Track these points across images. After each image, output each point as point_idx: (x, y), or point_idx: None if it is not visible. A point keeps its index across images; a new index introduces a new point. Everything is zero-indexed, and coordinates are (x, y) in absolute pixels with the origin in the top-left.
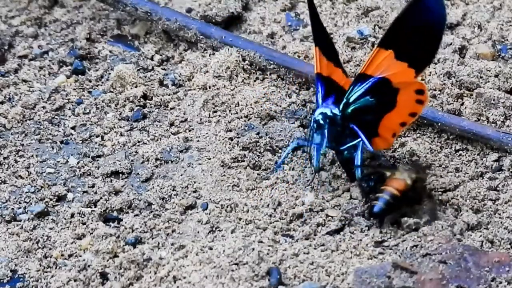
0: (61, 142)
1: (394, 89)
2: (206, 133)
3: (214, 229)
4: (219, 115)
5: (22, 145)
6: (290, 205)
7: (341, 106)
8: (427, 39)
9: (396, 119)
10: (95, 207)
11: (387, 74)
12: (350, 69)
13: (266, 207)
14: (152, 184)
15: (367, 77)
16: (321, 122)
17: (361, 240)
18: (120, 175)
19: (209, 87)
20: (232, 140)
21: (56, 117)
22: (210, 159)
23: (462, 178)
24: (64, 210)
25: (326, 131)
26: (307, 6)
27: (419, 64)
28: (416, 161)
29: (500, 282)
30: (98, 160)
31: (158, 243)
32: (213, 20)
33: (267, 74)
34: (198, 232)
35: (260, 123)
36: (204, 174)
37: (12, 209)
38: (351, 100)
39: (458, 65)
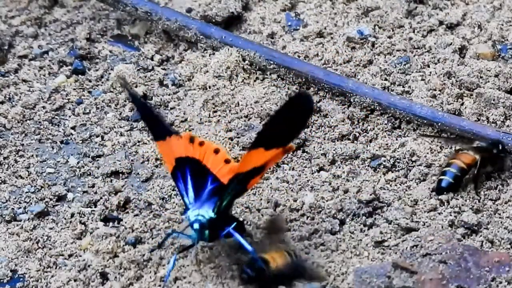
0: (61, 142)
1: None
2: (206, 133)
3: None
4: (219, 115)
5: (22, 145)
6: (290, 205)
7: (215, 210)
8: (295, 129)
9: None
10: (95, 207)
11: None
12: (350, 69)
13: (266, 207)
14: (152, 184)
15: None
16: (197, 227)
17: (361, 240)
18: (120, 175)
19: (209, 87)
20: (232, 140)
21: (56, 117)
22: None
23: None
24: (64, 210)
25: (206, 233)
26: (307, 7)
27: (285, 144)
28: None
29: (500, 282)
30: (98, 160)
31: (158, 243)
32: (213, 20)
33: (267, 74)
34: None
35: (260, 123)
36: None
37: (12, 209)
38: (225, 202)
39: (458, 65)
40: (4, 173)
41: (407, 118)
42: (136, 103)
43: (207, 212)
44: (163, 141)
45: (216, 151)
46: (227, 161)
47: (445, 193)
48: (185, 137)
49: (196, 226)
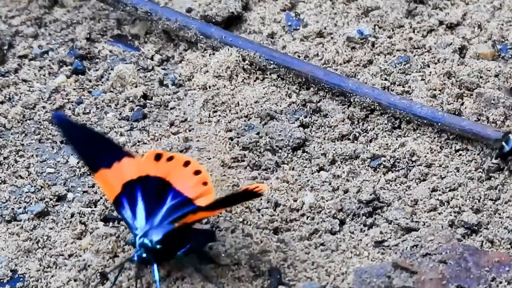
0: (61, 142)
1: None
2: (206, 133)
3: (214, 229)
4: (219, 115)
5: (22, 145)
6: (290, 205)
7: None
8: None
9: None
10: (95, 207)
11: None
12: (350, 69)
13: (266, 207)
14: None
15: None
16: (145, 255)
17: (361, 240)
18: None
19: (209, 87)
20: (232, 140)
21: None
22: (210, 159)
23: (462, 178)
24: (64, 210)
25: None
26: (307, 7)
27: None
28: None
29: (500, 282)
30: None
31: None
32: (213, 20)
33: (267, 74)
34: None
35: (260, 123)
36: None
37: (12, 209)
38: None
39: (458, 65)
40: (4, 173)
41: (407, 118)
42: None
43: (151, 242)
44: (107, 169)
45: (186, 163)
46: (197, 172)
47: (508, 157)
48: (149, 156)
49: (135, 259)
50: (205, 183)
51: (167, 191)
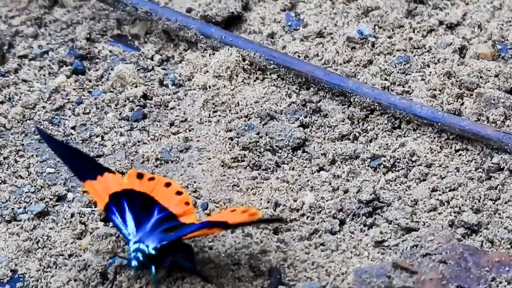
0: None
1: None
2: (206, 133)
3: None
4: (219, 115)
5: (22, 145)
6: (290, 205)
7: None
8: None
9: None
10: (95, 207)
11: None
12: (350, 69)
13: (266, 207)
14: None
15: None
16: (136, 264)
17: (361, 240)
18: (121, 175)
19: (209, 87)
20: (232, 140)
21: (56, 117)
22: (210, 159)
23: (462, 178)
24: (64, 210)
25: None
26: (307, 7)
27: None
28: None
29: (500, 282)
30: (98, 160)
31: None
32: (213, 20)
33: (267, 74)
34: None
35: (260, 123)
36: (204, 174)
37: (12, 209)
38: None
39: (458, 65)
40: (4, 173)
41: (407, 118)
42: (58, 146)
43: (147, 247)
44: (93, 180)
45: (168, 184)
46: (178, 193)
47: None
48: (132, 174)
49: (134, 263)
50: (187, 203)
51: (152, 205)
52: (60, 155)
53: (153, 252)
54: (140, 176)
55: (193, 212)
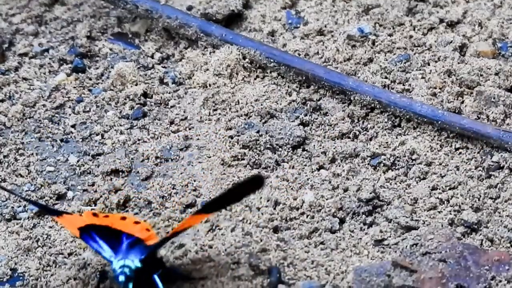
0: (61, 140)
1: None
2: (206, 131)
3: (213, 227)
4: (219, 113)
5: (22, 143)
6: (290, 203)
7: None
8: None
9: None
10: (95, 206)
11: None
12: (351, 67)
13: (266, 206)
14: (152, 183)
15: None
16: (123, 279)
17: (360, 238)
18: (120, 173)
19: (209, 85)
20: (232, 138)
21: (56, 115)
22: (210, 157)
23: (462, 177)
24: (64, 209)
25: (130, 285)
26: (307, 4)
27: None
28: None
29: (500, 281)
30: (98, 158)
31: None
32: (214, 18)
33: (268, 72)
34: (198, 231)
35: (260, 121)
36: (204, 173)
37: (12, 207)
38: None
39: (458, 63)
40: (4, 171)
41: (407, 116)
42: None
43: (132, 261)
44: (60, 216)
45: (123, 218)
46: (136, 223)
47: None
48: (88, 214)
49: (121, 278)
50: (147, 230)
51: (119, 233)
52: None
53: (139, 264)
54: (95, 215)
55: (155, 237)
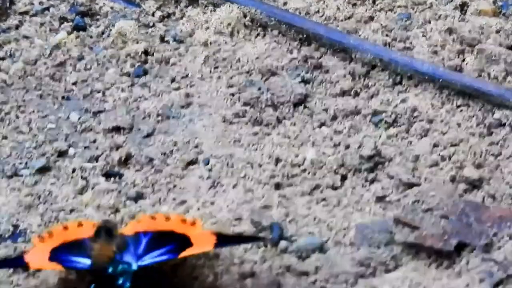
0: (63, 97)
1: None
2: (208, 89)
3: (215, 184)
4: (220, 71)
5: (24, 100)
6: (291, 160)
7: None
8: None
9: None
10: (96, 162)
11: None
12: (351, 25)
13: (267, 163)
14: (154, 140)
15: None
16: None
17: (362, 195)
18: (122, 130)
19: (210, 43)
20: (233, 95)
21: (57, 72)
22: (211, 114)
23: (464, 134)
24: (66, 166)
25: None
26: None
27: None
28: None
29: (502, 237)
30: (99, 115)
31: (160, 198)
32: None
33: (268, 31)
34: (200, 188)
35: (261, 78)
36: (205, 130)
37: (14, 164)
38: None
39: (459, 21)
40: (6, 128)
41: (409, 74)
42: None
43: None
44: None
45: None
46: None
47: None
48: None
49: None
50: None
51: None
52: None
53: (135, 267)
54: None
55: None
